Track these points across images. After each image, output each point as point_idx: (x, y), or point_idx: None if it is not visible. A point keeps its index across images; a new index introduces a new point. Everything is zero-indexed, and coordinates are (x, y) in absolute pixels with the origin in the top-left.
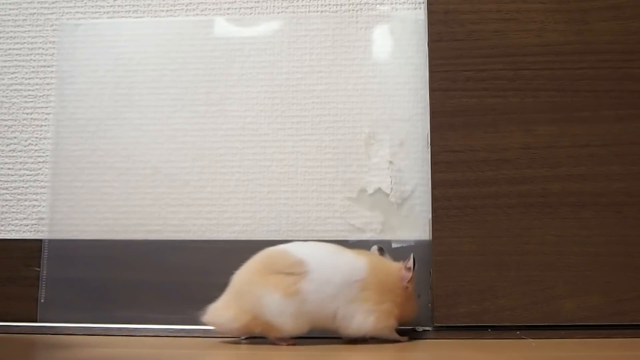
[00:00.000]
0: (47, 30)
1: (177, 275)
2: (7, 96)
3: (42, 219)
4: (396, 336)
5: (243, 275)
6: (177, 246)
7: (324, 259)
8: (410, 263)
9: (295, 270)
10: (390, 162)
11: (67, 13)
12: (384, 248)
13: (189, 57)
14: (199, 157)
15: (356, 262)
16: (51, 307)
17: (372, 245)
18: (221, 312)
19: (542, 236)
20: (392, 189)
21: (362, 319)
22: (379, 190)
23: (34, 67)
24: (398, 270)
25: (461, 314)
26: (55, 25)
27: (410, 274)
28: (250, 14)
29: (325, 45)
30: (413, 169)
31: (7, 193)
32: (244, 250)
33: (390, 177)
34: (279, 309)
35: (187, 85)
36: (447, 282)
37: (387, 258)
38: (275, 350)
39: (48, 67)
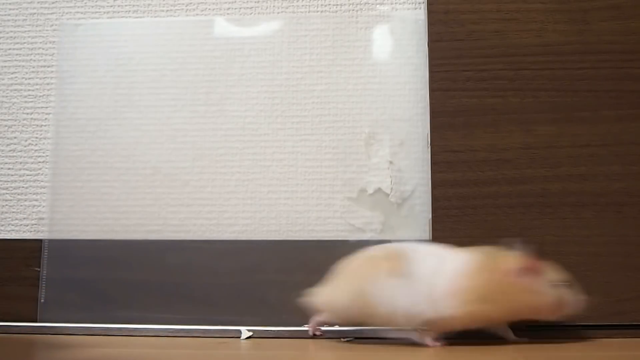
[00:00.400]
0: (47, 30)
1: (177, 275)
2: (7, 96)
3: (42, 219)
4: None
5: (350, 263)
6: (177, 246)
7: (425, 254)
8: (517, 258)
9: (398, 262)
10: (390, 162)
11: (67, 13)
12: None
13: (189, 57)
14: (199, 157)
15: (458, 259)
16: (51, 307)
17: (372, 245)
18: (326, 295)
19: (542, 236)
20: (392, 189)
21: (452, 313)
22: (379, 190)
23: (34, 67)
24: (508, 265)
25: None
26: (55, 25)
27: (515, 268)
28: (250, 14)
29: (325, 45)
30: (413, 169)
31: (7, 193)
32: (244, 250)
33: (390, 177)
34: (382, 293)
35: (187, 85)
36: None
37: (512, 252)
38: (276, 351)
39: (48, 67)
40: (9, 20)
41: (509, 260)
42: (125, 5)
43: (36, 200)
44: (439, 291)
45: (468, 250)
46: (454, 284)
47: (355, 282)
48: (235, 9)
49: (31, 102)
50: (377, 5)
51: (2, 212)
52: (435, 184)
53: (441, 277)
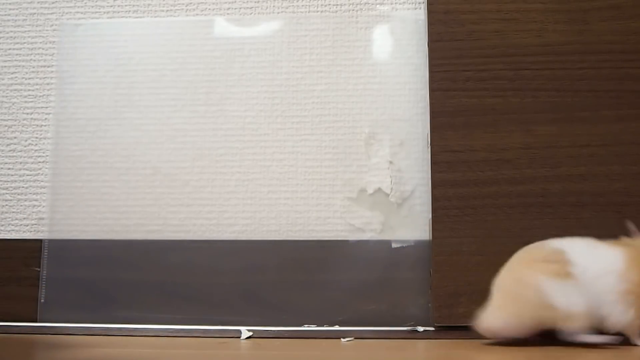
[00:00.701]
0: (47, 30)
1: (177, 275)
2: (7, 96)
3: (42, 219)
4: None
5: (508, 275)
6: (177, 246)
7: (581, 248)
8: None
9: (557, 258)
10: (390, 162)
11: (67, 13)
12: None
13: (189, 57)
14: (199, 157)
15: (613, 252)
16: (51, 307)
17: (371, 246)
18: (501, 316)
19: (542, 236)
20: (392, 189)
21: (620, 312)
22: (379, 190)
23: (34, 67)
24: None
25: (461, 314)
26: (55, 25)
27: None
28: (250, 14)
29: (325, 45)
30: (413, 169)
31: (7, 193)
32: (244, 250)
33: (390, 177)
34: (561, 292)
35: (187, 85)
36: (447, 282)
37: None
38: (276, 351)
39: (48, 67)
40: (9, 20)
41: None
42: (125, 5)
43: (36, 200)
44: (606, 285)
45: (619, 244)
46: (621, 282)
47: (528, 295)
48: (235, 9)
49: (31, 102)
50: (377, 5)
51: (2, 212)
52: (435, 184)
53: (607, 277)
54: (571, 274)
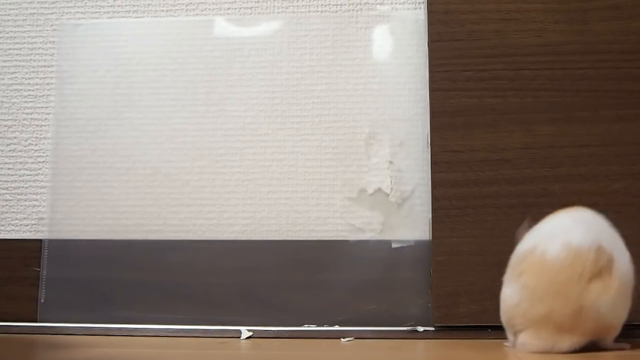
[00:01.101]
0: (47, 30)
1: (177, 275)
2: (7, 96)
3: (42, 219)
4: None
5: (558, 301)
6: (177, 246)
7: (609, 239)
8: None
9: (603, 266)
10: (390, 162)
11: (67, 13)
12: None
13: (189, 57)
14: (199, 157)
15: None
16: (51, 307)
17: (371, 246)
18: (551, 338)
19: None
20: (392, 189)
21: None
22: (379, 190)
23: (34, 67)
24: None
25: (461, 314)
26: (55, 25)
27: None
28: (250, 14)
29: (325, 45)
30: (413, 169)
31: (7, 193)
32: (244, 250)
33: (390, 177)
34: (618, 309)
35: (187, 85)
36: (447, 282)
37: None
38: (276, 351)
39: (48, 67)
40: (9, 20)
41: None
42: (125, 5)
43: (36, 200)
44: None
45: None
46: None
47: (581, 316)
48: (235, 9)
49: (31, 102)
50: (377, 5)
51: (2, 212)
52: (435, 184)
53: (628, 265)
54: (619, 282)
